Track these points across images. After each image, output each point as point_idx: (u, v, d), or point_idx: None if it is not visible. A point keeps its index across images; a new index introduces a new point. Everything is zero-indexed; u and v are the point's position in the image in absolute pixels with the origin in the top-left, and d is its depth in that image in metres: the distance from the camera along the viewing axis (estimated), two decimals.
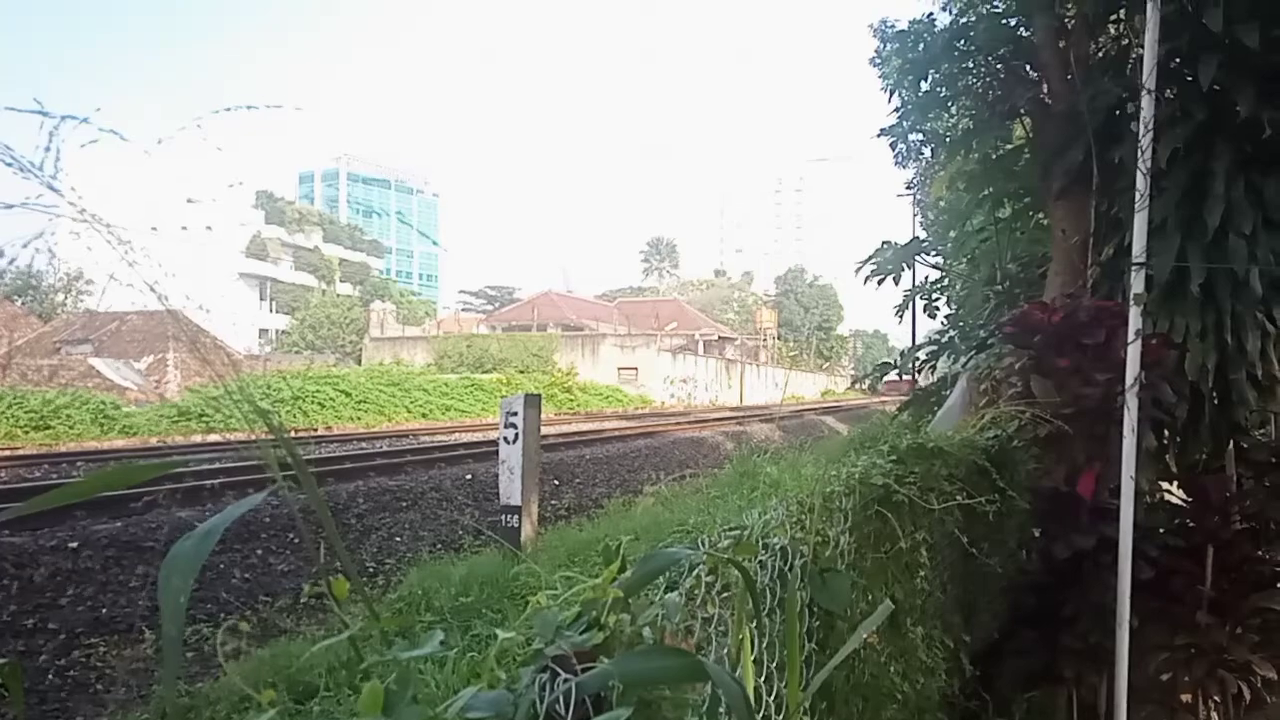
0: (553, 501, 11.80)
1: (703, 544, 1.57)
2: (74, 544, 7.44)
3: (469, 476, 12.62)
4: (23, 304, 49.09)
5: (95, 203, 1.06)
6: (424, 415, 29.35)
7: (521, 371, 41.37)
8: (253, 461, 12.45)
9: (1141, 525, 4.05)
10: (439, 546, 9.36)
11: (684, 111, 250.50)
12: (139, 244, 1.05)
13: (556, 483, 13.08)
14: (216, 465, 14.40)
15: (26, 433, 18.84)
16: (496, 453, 8.90)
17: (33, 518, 8.63)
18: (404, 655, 0.84)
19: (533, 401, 8.51)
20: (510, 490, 8.16)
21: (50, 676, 5.90)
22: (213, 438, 20.77)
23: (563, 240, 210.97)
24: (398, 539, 9.61)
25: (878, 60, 13.18)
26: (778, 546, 1.88)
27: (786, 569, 1.82)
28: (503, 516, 8.22)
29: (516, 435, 8.18)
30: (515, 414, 8.22)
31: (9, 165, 0.95)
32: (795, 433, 24.82)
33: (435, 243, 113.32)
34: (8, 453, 16.50)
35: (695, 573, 1.53)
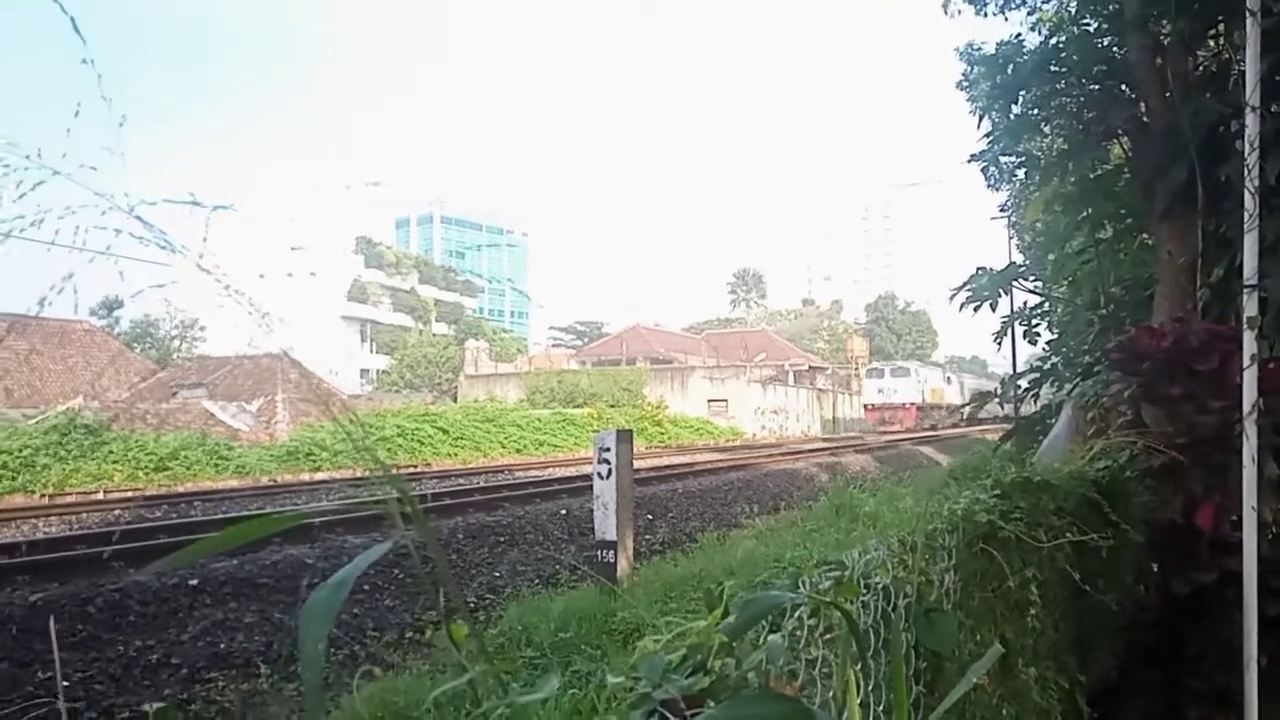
0: (646, 536, 11.81)
1: (804, 584, 1.57)
2: (193, 581, 7.81)
3: (563, 511, 12.74)
4: (140, 351, 52.08)
5: (205, 251, 1.14)
6: (518, 450, 29.81)
7: (612, 405, 41.65)
8: (357, 499, 12.85)
9: (1267, 558, 3.83)
10: (536, 582, 9.47)
11: (769, 141, 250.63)
12: (249, 291, 1.13)
13: (650, 517, 13.09)
14: (323, 504, 14.89)
15: (148, 474, 19.87)
16: (590, 487, 8.98)
17: (154, 556, 9.10)
18: (522, 699, 0.88)
19: (625, 437, 8.58)
20: (605, 525, 8.21)
21: (181, 713, 6.19)
22: (319, 476, 21.54)
23: (649, 274, 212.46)
24: (496, 574, 9.76)
25: (965, 83, 13.01)
26: (880, 586, 1.87)
27: (890, 609, 1.80)
28: (598, 552, 8.27)
29: (610, 470, 8.24)
30: (608, 449, 8.30)
31: (143, 239, 1.03)
32: (891, 463, 24.29)
33: (522, 293, 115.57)
34: (132, 494, 17.43)
35: (797, 614, 1.53)
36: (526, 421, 32.80)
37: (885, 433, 44.22)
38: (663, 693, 1.07)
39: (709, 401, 47.05)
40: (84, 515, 14.22)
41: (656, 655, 1.12)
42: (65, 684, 6.24)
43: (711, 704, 1.10)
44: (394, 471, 1.00)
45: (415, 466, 24.15)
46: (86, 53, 1.01)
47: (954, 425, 48.96)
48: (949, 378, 58.44)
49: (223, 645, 7.03)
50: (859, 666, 1.62)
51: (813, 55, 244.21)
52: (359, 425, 0.95)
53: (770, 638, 1.40)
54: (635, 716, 1.03)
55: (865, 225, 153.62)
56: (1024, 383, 7.86)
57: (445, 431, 28.66)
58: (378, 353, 70.37)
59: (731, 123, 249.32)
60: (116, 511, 14.72)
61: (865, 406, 52.27)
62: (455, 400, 48.15)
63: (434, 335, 69.94)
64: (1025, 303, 8.56)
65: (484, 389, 49.00)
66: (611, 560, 8.06)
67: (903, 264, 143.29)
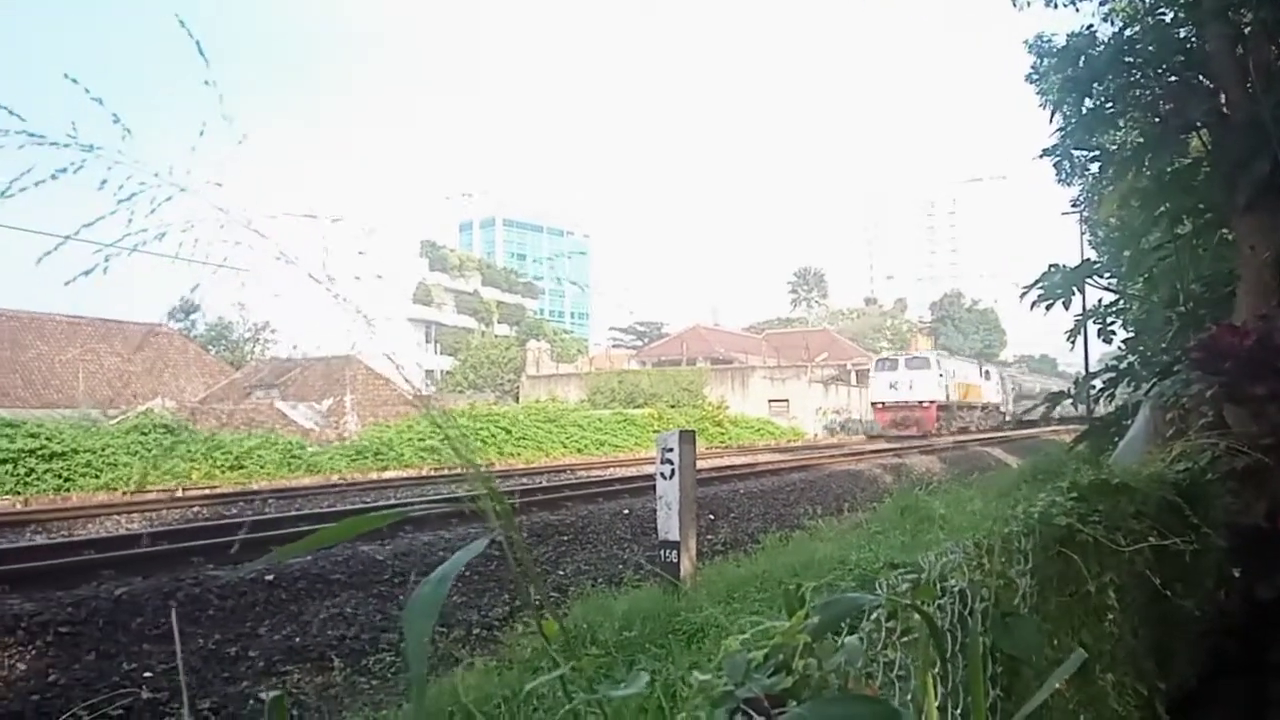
0: (708, 536, 11.80)
1: (881, 587, 1.57)
2: (269, 577, 8.05)
3: (625, 511, 12.80)
4: (216, 353, 53.86)
5: (277, 254, 1.19)
6: (579, 450, 30.04)
7: (672, 406, 41.68)
8: (438, 497, 13.09)
9: None
10: (599, 580, 9.54)
11: (829, 138, 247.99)
12: (320, 294, 1.18)
13: (712, 517, 13.08)
14: (392, 501, 15.20)
15: (224, 472, 20.52)
16: (651, 487, 9.02)
17: (229, 551, 9.39)
18: (613, 695, 0.90)
19: (688, 437, 8.59)
20: (668, 526, 8.23)
21: (251, 703, 6.39)
22: (387, 474, 22.01)
23: (709, 274, 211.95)
24: (560, 572, 9.86)
25: (1035, 76, 12.70)
26: (956, 589, 1.86)
27: (966, 613, 1.79)
28: (661, 551, 8.30)
29: (673, 471, 8.26)
30: (671, 450, 8.31)
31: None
32: (958, 465, 23.83)
33: (584, 288, 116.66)
34: (209, 491, 18.03)
35: (874, 616, 1.53)
36: (587, 421, 33.03)
37: (900, 436, 37.13)
38: (746, 691, 1.09)
39: (770, 402, 46.79)
40: (163, 512, 14.76)
41: (739, 654, 1.14)
42: (148, 675, 6.48)
43: (793, 704, 1.11)
44: (484, 469, 1.04)
45: (480, 465, 24.49)
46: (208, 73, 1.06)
47: (996, 429, 43.99)
48: (987, 371, 48.35)
49: (298, 639, 7.23)
50: (936, 670, 1.61)
51: (876, 50, 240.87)
52: (456, 425, 0.99)
53: (847, 639, 1.41)
54: (719, 714, 1.05)
55: (930, 222, 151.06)
56: (1099, 382, 7.66)
57: (508, 431, 29.03)
58: (442, 354, 71.57)
59: (794, 120, 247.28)
60: (195, 508, 15.25)
61: (874, 406, 41.89)
62: (517, 400, 48.72)
63: (496, 336, 70.92)
64: (1100, 300, 8.33)
65: (545, 389, 49.47)
66: (675, 560, 8.07)
67: (969, 261, 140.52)
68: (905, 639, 1.58)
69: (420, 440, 24.64)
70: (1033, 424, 45.57)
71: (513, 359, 63.29)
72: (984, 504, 8.52)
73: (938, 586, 1.79)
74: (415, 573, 8.38)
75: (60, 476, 17.88)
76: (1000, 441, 34.00)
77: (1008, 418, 48.54)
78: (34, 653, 6.52)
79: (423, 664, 0.82)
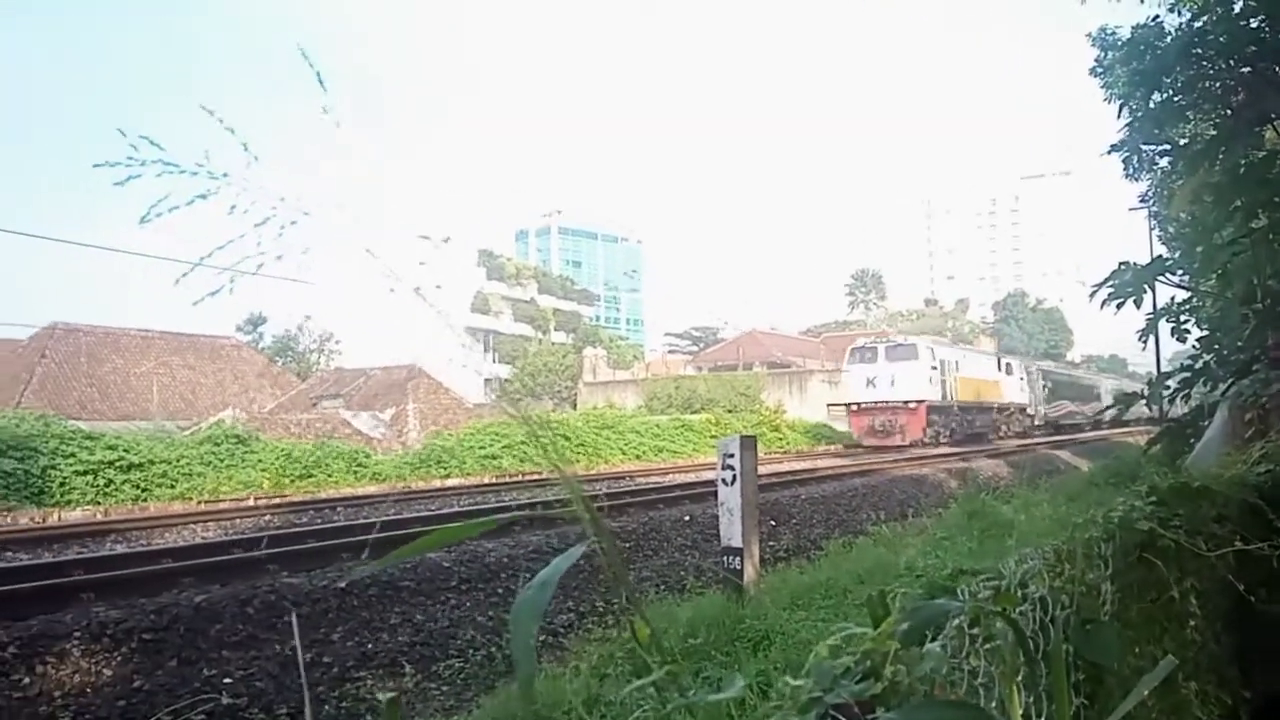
0: (770, 543, 11.75)
1: (962, 594, 1.58)
2: (341, 585, 8.24)
3: (686, 517, 12.81)
4: (282, 364, 55.26)
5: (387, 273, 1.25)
6: (637, 456, 30.09)
7: (730, 411, 41.51)
8: (515, 502, 13.22)
9: None
10: (661, 587, 9.56)
11: (887, 138, 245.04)
12: (383, 306, 1.23)
13: (773, 523, 13.01)
14: (455, 509, 15.42)
15: (292, 480, 21.05)
16: (711, 494, 9.02)
17: (303, 559, 9.63)
18: (709, 699, 0.93)
19: (749, 443, 8.57)
20: (730, 532, 8.22)
21: (326, 707, 6.55)
22: (450, 482, 22.34)
23: (764, 278, 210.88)
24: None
25: (1099, 69, 12.43)
26: (1037, 596, 1.85)
27: (1048, 620, 1.78)
28: (723, 558, 8.29)
29: (734, 476, 8.25)
30: (732, 455, 8.31)
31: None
32: (1025, 469, 23.32)
33: (633, 282, 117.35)
34: (279, 500, 18.51)
35: (956, 623, 1.54)
36: (645, 428, 33.07)
37: (881, 448, 29.51)
38: (834, 697, 1.11)
39: (828, 405, 46.29)
40: (237, 521, 15.19)
41: (826, 661, 1.16)
42: (227, 681, 6.68)
43: (882, 710, 1.13)
44: (572, 475, 1.08)
45: (540, 472, 24.73)
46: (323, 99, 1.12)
47: (1023, 434, 37.58)
48: (1007, 365, 39.09)
49: (369, 645, 7.40)
50: (1019, 678, 1.61)
51: (936, 46, 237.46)
52: (549, 430, 1.03)
53: (929, 646, 1.41)
54: (810, 718, 1.08)
55: (992, 220, 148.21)
56: (1173, 383, 7.45)
57: (567, 438, 29.21)
58: (499, 362, 72.45)
59: (850, 120, 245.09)
60: (266, 517, 15.66)
61: (848, 409, 33.35)
62: (575, 407, 49.03)
63: (553, 344, 71.52)
64: (1173, 298, 8.10)
65: (602, 396, 49.69)
66: (738, 567, 8.06)
67: (1033, 260, 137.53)
68: (987, 646, 1.58)
69: (481, 449, 24.95)
70: (1075, 428, 41.76)
71: (569, 366, 63.77)
72: (1054, 509, 8.34)
73: (1018, 593, 1.78)
74: (420, 575, 8.53)
75: (138, 487, 18.51)
76: (1067, 443, 33.18)
77: (1037, 421, 41.10)
78: (119, 659, 6.76)
79: (531, 664, 0.86)
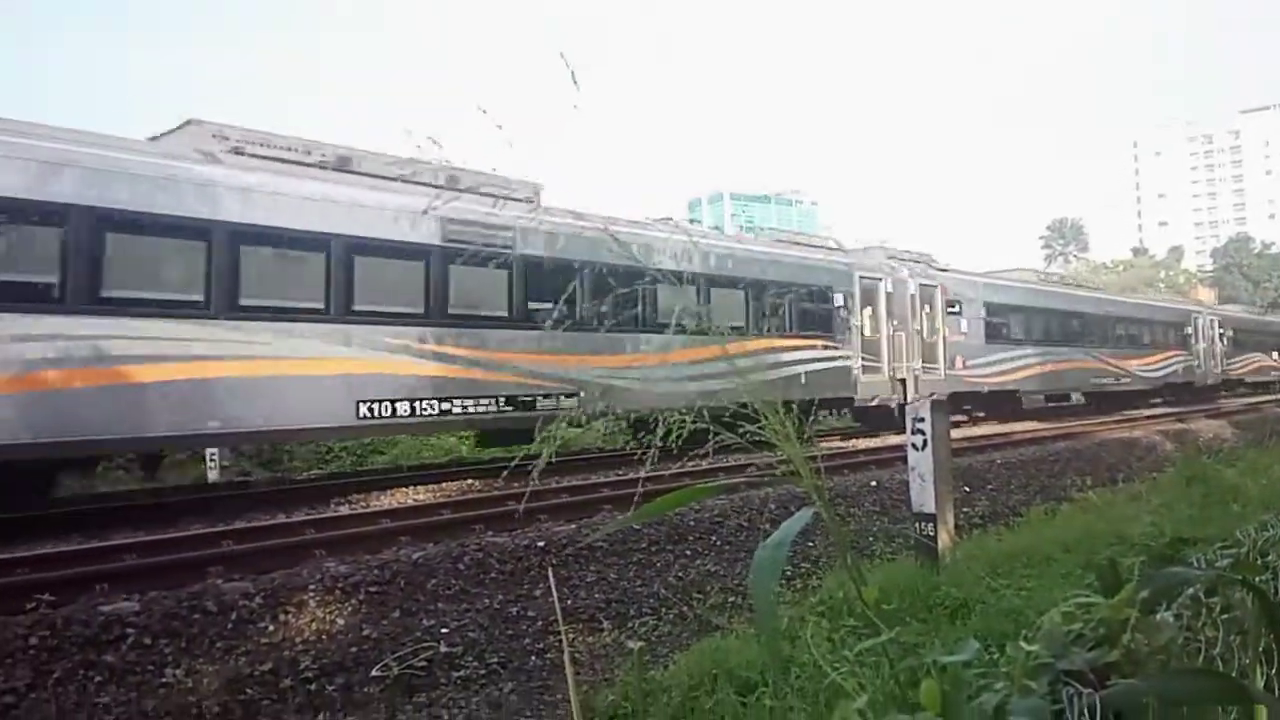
0: (965, 509, 11.34)
1: (1199, 562, 1.50)
2: (541, 543, 8.70)
3: (873, 483, 12.57)
4: None
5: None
6: None
7: None
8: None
9: None
10: (850, 553, 9.47)
11: (1086, 78, 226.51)
12: None
13: (967, 489, 12.54)
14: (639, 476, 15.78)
15: (487, 448, 22.29)
16: (899, 459, 8.81)
17: (504, 521, 10.17)
18: (945, 660, 0.95)
19: (940, 406, 8.30)
20: (922, 498, 8.01)
21: (532, 658, 6.98)
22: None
23: (952, 230, 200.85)
24: (809, 544, 9.87)
25: None
26: (1276, 566, 1.73)
27: None
28: (916, 525, 8.10)
29: (925, 441, 8.02)
30: (922, 420, 8.07)
31: None
32: (1252, 429, 21.24)
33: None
34: (480, 465, 19.64)
35: (1190, 592, 1.47)
36: None
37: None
38: (1066, 663, 1.10)
39: None
40: (444, 485, 16.23)
41: (1058, 628, 1.15)
42: (444, 630, 7.21)
43: (1116, 678, 1.11)
44: (801, 447, 1.12)
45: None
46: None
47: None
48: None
49: (569, 601, 7.78)
50: (1261, 648, 1.52)
51: None
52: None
53: (1162, 615, 1.36)
54: (1041, 683, 1.07)
55: (1209, 160, 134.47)
56: None
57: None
58: None
59: (1046, 59, 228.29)
60: (469, 480, 16.64)
61: None
62: None
63: None
64: None
65: None
66: (931, 533, 7.86)
67: (1257, 202, 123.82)
68: (1225, 616, 1.50)
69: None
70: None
71: None
72: None
73: (1259, 561, 1.68)
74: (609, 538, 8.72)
75: (354, 454, 20.19)
76: None
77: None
78: (350, 609, 7.45)
79: (773, 617, 0.92)
